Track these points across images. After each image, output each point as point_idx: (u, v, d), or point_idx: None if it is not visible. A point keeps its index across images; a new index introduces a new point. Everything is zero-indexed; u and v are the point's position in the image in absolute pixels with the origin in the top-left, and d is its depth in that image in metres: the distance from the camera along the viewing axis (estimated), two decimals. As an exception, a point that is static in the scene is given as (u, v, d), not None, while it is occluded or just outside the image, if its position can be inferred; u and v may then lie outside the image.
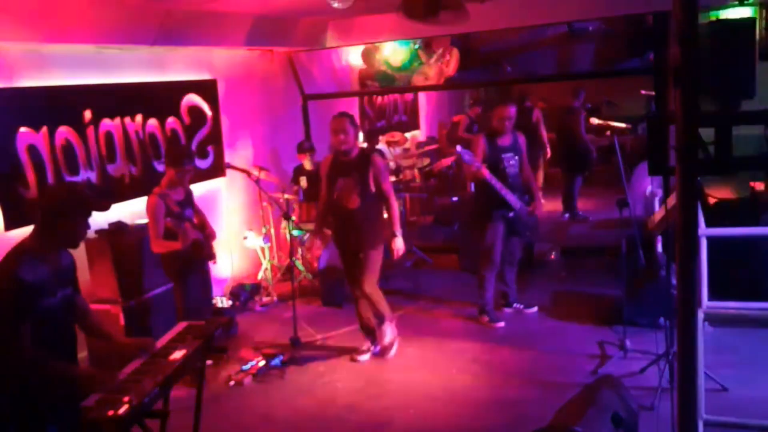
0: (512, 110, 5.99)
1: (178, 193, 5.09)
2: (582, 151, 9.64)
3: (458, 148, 5.89)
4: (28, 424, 3.02)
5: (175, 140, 6.47)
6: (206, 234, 5.21)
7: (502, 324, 6.02)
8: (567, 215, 9.78)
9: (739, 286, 5.52)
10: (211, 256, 5.28)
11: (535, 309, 6.31)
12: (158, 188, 5.04)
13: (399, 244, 5.35)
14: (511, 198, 5.91)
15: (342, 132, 5.26)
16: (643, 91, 10.27)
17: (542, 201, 6.17)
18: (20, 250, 2.98)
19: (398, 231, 5.33)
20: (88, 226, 3.13)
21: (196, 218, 5.23)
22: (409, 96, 11.65)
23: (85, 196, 3.14)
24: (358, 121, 9.87)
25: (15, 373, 2.95)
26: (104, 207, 3.21)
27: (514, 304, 6.33)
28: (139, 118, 6.05)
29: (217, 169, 6.97)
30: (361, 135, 9.92)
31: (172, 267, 5.07)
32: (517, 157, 6.03)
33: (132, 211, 5.77)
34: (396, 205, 5.38)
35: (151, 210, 4.92)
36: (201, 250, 5.11)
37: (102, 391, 2.91)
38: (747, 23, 2.74)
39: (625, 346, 5.11)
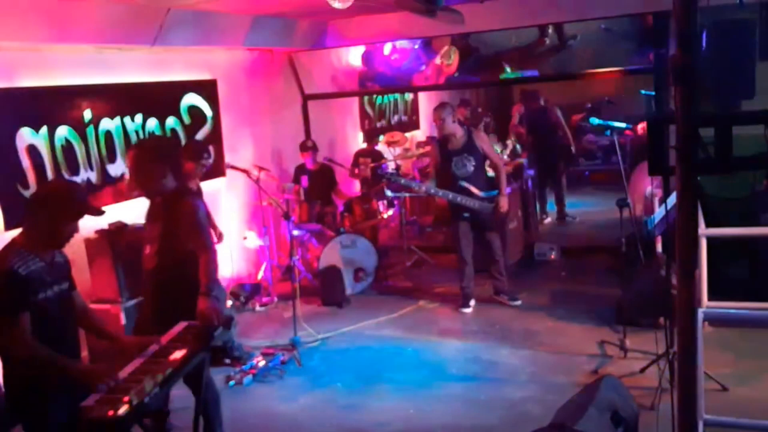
0: (439, 112, 6.17)
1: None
2: (565, 148, 9.58)
3: (380, 170, 6.72)
4: (30, 418, 3.03)
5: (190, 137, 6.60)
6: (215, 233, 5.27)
7: (466, 310, 6.37)
8: (547, 218, 9.69)
9: (739, 286, 5.53)
10: None
11: (518, 302, 6.43)
12: None
13: (207, 308, 3.55)
14: (463, 200, 6.14)
15: (142, 173, 3.73)
16: (643, 91, 10.26)
17: (506, 196, 6.30)
18: (11, 246, 3.00)
19: (210, 290, 3.61)
20: (76, 229, 3.10)
21: None
22: (409, 96, 11.65)
23: (77, 197, 3.11)
24: (357, 121, 9.98)
25: (16, 365, 2.96)
26: (98, 212, 3.17)
27: (500, 294, 6.48)
28: (139, 118, 6.05)
29: (217, 169, 6.97)
30: (360, 135, 9.93)
31: None
32: (472, 157, 6.18)
33: (132, 211, 5.77)
34: (211, 265, 3.66)
35: None
36: None
37: (101, 385, 2.92)
38: (747, 23, 2.74)
39: (625, 346, 5.11)
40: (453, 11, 5.72)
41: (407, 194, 8.55)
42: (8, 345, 2.94)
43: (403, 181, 6.43)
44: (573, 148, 9.93)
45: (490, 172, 6.56)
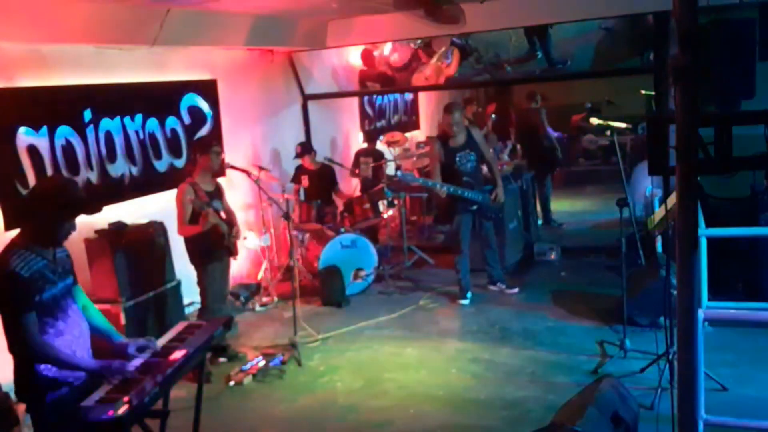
0: (454, 115, 6.30)
1: (208, 184, 5.30)
2: (548, 150, 9.45)
3: (399, 173, 6.60)
4: (38, 412, 3.05)
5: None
6: (232, 231, 5.36)
7: (464, 302, 6.55)
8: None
9: (739, 286, 5.54)
10: (233, 252, 5.45)
11: (515, 290, 6.66)
12: (190, 178, 5.25)
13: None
14: (470, 194, 6.31)
15: None
16: (643, 91, 10.26)
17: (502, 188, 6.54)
18: (11, 248, 2.98)
19: None
20: (73, 227, 3.07)
21: (225, 214, 5.38)
22: (409, 96, 11.64)
23: (72, 194, 3.06)
24: (357, 121, 9.98)
25: (24, 362, 2.98)
26: (94, 209, 3.13)
27: (498, 283, 6.69)
28: (139, 118, 6.05)
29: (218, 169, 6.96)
30: (360, 135, 9.93)
31: (195, 253, 5.27)
32: (473, 154, 6.37)
33: (132, 211, 5.77)
34: None
35: (180, 195, 5.14)
36: (221, 239, 5.25)
37: (113, 380, 2.95)
38: (747, 23, 2.74)
39: (625, 346, 5.11)
40: (454, 10, 5.71)
41: (407, 194, 8.57)
42: (16, 345, 2.95)
43: (421, 180, 6.58)
44: (559, 152, 9.74)
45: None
